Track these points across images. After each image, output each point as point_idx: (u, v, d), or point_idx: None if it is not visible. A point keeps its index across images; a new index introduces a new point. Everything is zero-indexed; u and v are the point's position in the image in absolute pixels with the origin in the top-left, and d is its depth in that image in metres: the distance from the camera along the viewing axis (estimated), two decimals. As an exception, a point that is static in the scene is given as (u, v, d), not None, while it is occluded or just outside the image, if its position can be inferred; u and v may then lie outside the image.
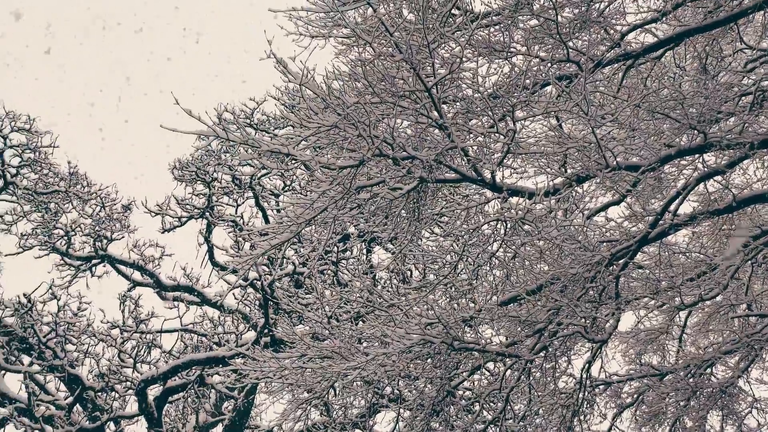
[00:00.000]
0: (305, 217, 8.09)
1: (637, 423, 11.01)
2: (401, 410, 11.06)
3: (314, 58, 10.38)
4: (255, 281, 16.56)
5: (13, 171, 17.57)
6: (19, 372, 16.79)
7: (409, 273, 15.32)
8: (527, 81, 8.20)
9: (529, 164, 8.52)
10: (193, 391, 16.92)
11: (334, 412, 13.95)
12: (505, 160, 8.10)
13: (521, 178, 8.50)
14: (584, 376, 9.07)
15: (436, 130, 8.28)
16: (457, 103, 8.63)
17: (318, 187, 8.23)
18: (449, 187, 9.35)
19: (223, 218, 18.68)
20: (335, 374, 9.26)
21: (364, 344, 10.45)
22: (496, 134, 8.19)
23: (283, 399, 10.42)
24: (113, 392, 16.96)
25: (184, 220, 18.75)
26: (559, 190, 8.20)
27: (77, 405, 16.80)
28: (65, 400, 16.93)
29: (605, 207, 8.95)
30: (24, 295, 17.01)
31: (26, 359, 16.89)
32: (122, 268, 18.81)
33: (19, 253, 18.21)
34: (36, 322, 16.57)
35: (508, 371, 9.08)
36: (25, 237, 18.19)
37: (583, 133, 8.69)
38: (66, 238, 18.22)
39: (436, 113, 7.83)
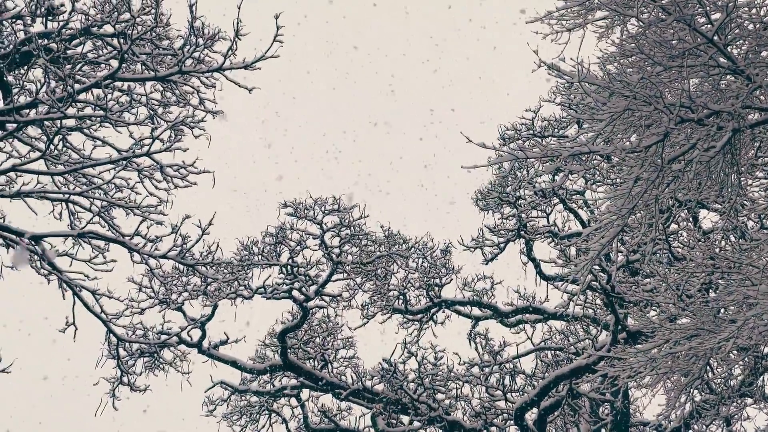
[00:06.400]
0: (627, 207, 7.96)
1: None
2: (788, 367, 10.47)
3: (570, 51, 10.23)
4: (592, 283, 16.41)
5: (337, 251, 18.61)
6: (403, 432, 17.70)
7: (744, 226, 14.54)
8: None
9: None
10: (567, 405, 16.97)
11: (718, 387, 13.43)
12: (816, 80, 7.55)
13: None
14: None
15: (729, 77, 7.90)
16: (742, 42, 8.18)
17: (629, 173, 8.08)
18: (761, 128, 8.85)
19: (538, 232, 18.74)
20: (708, 350, 8.95)
21: (721, 312, 10.03)
22: (797, 57, 7.67)
23: (659, 390, 10.20)
24: (493, 427, 17.38)
25: (502, 245, 19.02)
26: None
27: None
28: (453, 447, 17.54)
29: None
30: (384, 360, 17.95)
31: (405, 419, 17.74)
32: (460, 308, 19.36)
33: (365, 324, 19.26)
34: (403, 382, 17.40)
35: None
36: (365, 307, 19.18)
37: None
38: (401, 296, 19.02)
39: (724, 60, 7.48)
